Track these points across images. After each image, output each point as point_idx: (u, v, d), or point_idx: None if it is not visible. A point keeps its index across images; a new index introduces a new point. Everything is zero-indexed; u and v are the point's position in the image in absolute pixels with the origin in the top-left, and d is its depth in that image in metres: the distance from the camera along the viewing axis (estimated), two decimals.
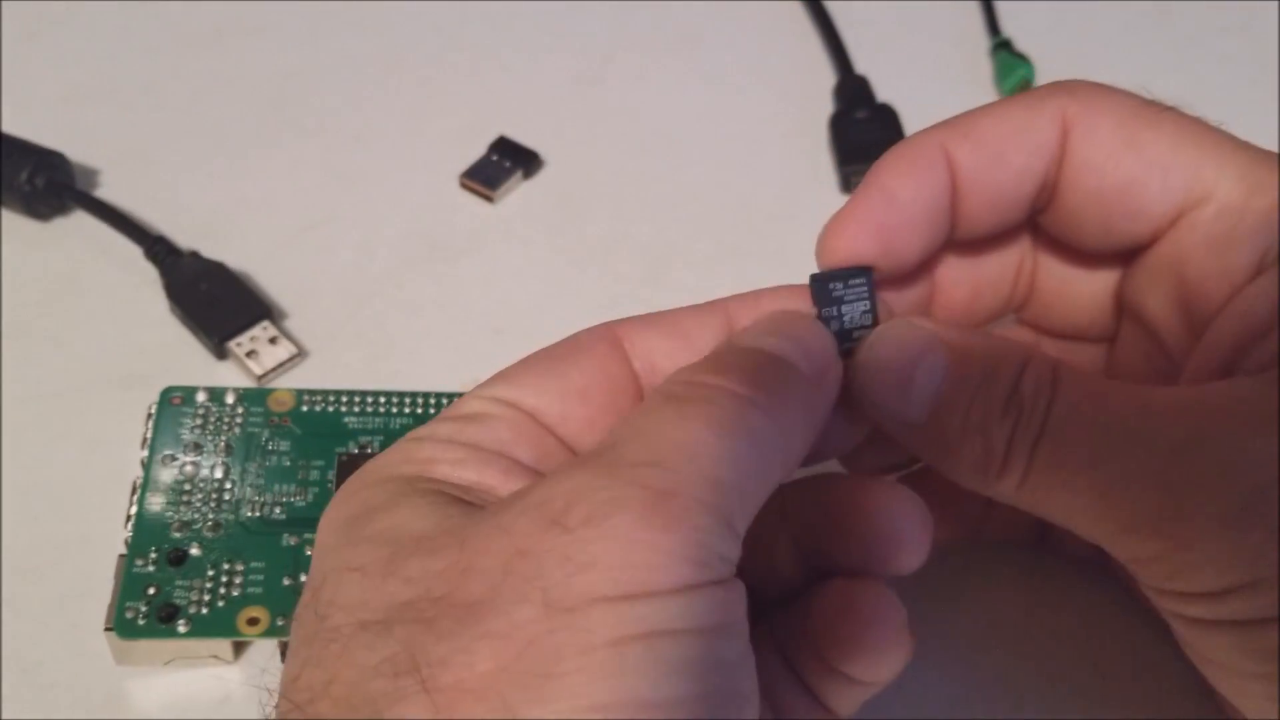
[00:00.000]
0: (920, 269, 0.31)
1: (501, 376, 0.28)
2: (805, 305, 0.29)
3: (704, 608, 0.23)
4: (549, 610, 0.22)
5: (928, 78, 0.51)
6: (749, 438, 0.25)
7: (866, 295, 0.29)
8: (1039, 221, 0.31)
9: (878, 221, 0.29)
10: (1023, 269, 0.32)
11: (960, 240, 0.31)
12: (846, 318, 0.29)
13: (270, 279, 0.43)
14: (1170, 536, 0.25)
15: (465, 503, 0.25)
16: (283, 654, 0.33)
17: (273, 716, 0.24)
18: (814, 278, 0.29)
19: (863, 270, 0.29)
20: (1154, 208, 0.29)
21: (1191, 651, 0.28)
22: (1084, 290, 0.32)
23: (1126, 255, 0.30)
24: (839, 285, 0.29)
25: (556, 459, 0.27)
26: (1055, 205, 0.30)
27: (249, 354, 0.40)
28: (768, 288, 0.30)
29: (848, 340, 0.29)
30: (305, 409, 0.37)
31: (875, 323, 0.29)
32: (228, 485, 0.35)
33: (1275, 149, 0.29)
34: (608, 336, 0.29)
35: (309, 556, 0.34)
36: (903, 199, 0.29)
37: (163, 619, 0.32)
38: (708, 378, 0.25)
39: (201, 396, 0.37)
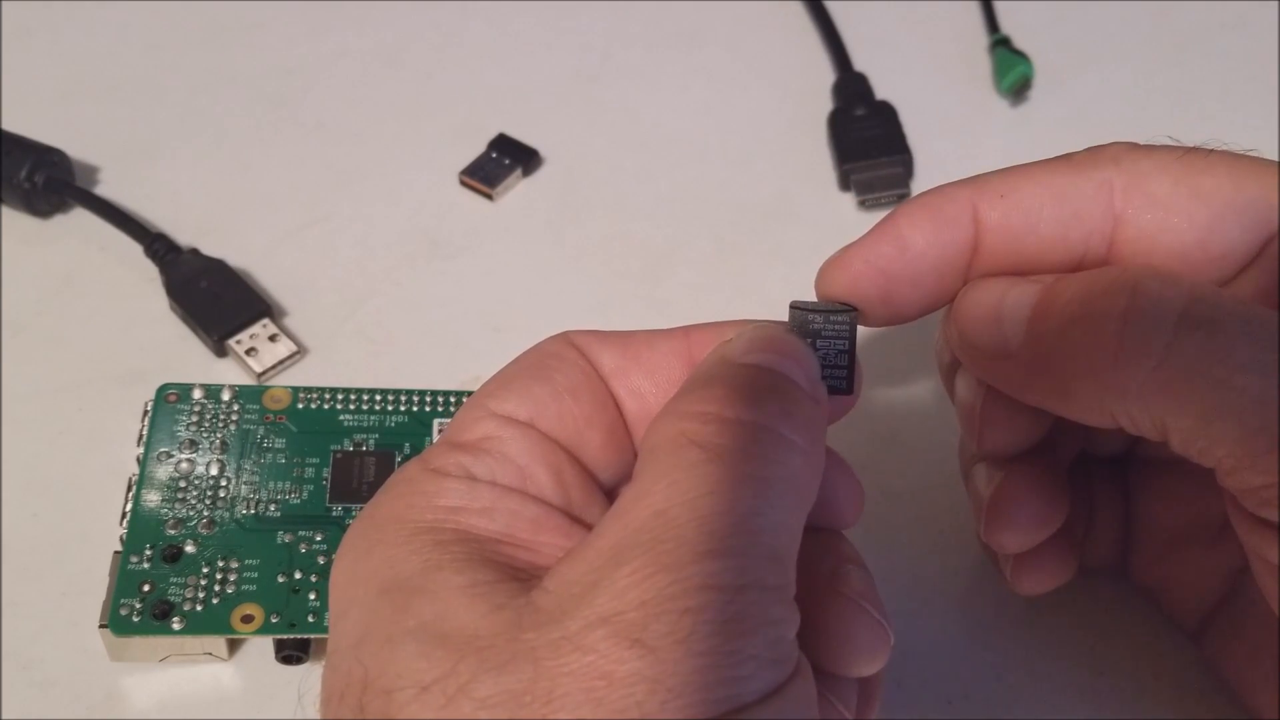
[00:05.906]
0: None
1: (489, 392, 0.27)
2: None
3: (795, 709, 0.22)
4: None
5: (926, 75, 0.50)
6: (796, 492, 0.24)
7: (847, 334, 0.28)
8: None
9: (883, 267, 0.28)
10: None
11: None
12: (821, 353, 0.28)
13: (270, 276, 0.43)
14: None
15: (504, 569, 0.24)
16: (277, 652, 0.33)
17: None
18: (795, 305, 0.28)
19: (848, 308, 0.28)
20: (1239, 248, 0.28)
21: None
22: None
23: None
24: (819, 318, 0.28)
25: (572, 478, 0.27)
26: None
27: (249, 351, 0.40)
28: (731, 320, 0.28)
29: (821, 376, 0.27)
30: (301, 406, 0.37)
31: (851, 364, 0.28)
32: (223, 482, 0.35)
33: (1275, 146, 0.29)
34: (571, 343, 0.28)
35: (303, 554, 0.34)
36: (915, 250, 0.28)
37: (157, 616, 0.32)
38: (737, 411, 0.24)
39: (197, 394, 0.37)
